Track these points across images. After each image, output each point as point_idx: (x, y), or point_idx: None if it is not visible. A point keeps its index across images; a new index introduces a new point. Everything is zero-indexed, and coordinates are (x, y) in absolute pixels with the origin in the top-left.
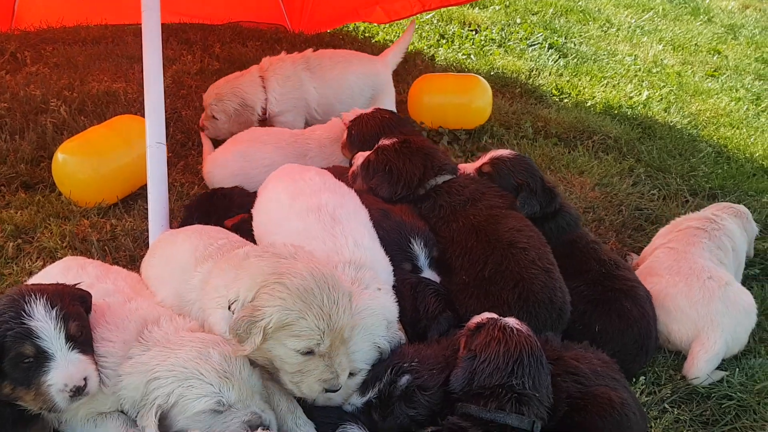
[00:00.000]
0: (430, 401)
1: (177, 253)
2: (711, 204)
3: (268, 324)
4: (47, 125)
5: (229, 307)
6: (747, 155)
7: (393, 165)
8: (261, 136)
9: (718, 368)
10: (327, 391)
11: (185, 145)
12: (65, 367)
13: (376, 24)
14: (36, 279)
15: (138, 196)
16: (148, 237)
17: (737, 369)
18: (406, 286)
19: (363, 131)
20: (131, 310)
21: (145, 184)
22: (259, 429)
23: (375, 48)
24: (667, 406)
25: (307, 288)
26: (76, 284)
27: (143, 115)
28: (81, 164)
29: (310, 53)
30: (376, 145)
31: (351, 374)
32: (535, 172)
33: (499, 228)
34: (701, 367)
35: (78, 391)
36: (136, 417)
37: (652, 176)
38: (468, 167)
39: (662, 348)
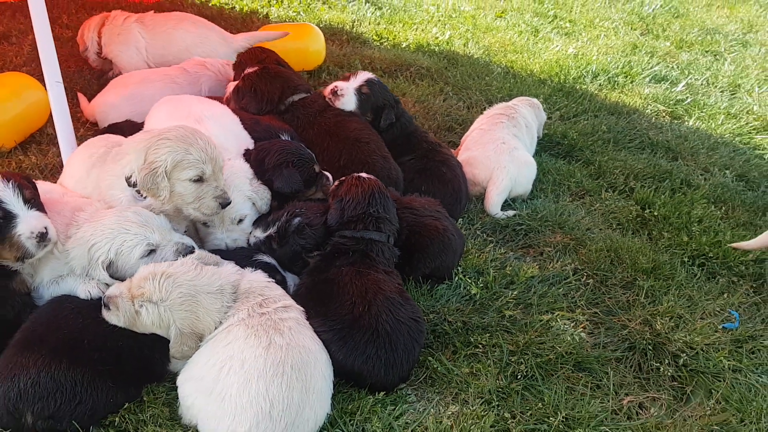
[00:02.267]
0: (316, 234)
1: (73, 167)
2: None
3: (166, 167)
4: None
5: (128, 183)
6: (528, 72)
7: (257, 87)
8: (148, 75)
9: (511, 209)
10: (222, 206)
11: None
12: (28, 221)
13: None
14: None
15: (32, 141)
16: (52, 168)
17: (525, 207)
18: (255, 148)
19: (243, 61)
20: (66, 202)
21: (36, 131)
22: (196, 251)
23: (213, 10)
24: (478, 233)
25: (184, 135)
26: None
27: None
28: None
29: (150, 13)
30: (242, 74)
31: (240, 221)
32: (389, 91)
33: (346, 129)
34: (493, 199)
35: (42, 237)
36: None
37: (458, 93)
38: (343, 84)
39: (473, 199)
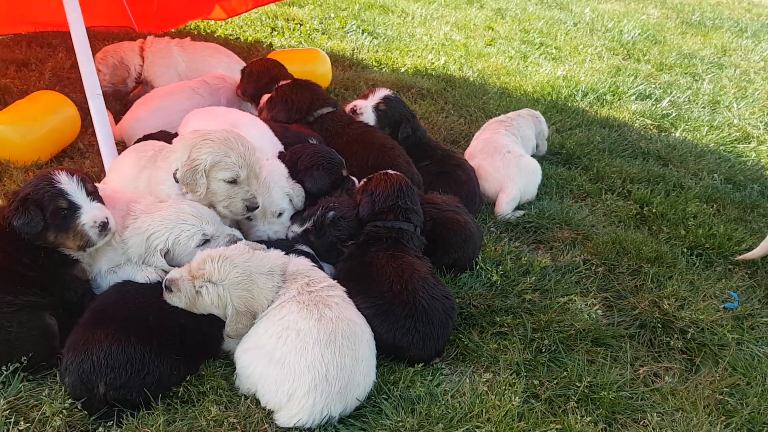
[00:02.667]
0: (349, 225)
1: (122, 168)
2: None
3: (205, 165)
4: None
5: (174, 178)
6: (521, 92)
7: (288, 97)
8: (170, 89)
9: (520, 210)
10: (249, 209)
11: (84, 119)
12: (91, 211)
13: (214, 21)
14: None
15: (64, 156)
16: None
17: (533, 207)
18: (289, 151)
19: (252, 71)
20: (119, 197)
21: (69, 145)
22: (243, 241)
23: (219, 40)
24: (492, 230)
25: (227, 138)
26: None
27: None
28: (15, 131)
29: (188, 39)
30: (276, 86)
31: (279, 214)
32: (406, 106)
33: (372, 137)
34: (503, 206)
35: (103, 226)
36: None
37: (459, 111)
38: (362, 103)
39: (485, 203)
